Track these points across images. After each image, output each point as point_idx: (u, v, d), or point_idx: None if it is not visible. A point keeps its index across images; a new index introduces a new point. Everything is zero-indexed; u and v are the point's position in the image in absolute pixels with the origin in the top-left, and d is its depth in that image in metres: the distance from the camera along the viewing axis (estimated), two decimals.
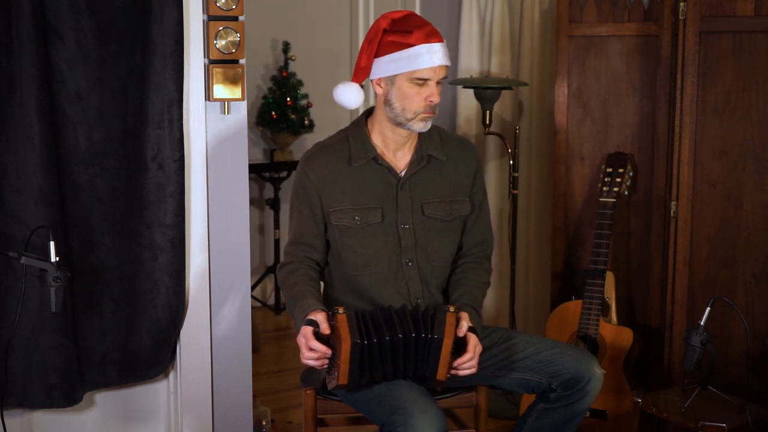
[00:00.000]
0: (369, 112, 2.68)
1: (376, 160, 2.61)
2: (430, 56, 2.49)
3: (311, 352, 2.38)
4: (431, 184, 2.64)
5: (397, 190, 2.61)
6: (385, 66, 2.53)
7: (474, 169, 2.71)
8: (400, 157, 2.64)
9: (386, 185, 2.61)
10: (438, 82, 2.53)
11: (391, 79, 2.53)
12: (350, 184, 2.60)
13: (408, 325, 2.40)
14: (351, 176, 2.60)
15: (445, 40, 2.55)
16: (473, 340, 2.45)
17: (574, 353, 2.57)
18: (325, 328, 2.39)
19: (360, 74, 2.57)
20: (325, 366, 2.42)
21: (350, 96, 2.59)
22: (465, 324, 2.45)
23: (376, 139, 2.63)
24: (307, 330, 2.39)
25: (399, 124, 2.56)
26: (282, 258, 2.69)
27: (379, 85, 2.57)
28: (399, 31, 2.51)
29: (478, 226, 2.73)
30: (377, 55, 2.54)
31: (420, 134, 2.64)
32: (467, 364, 2.45)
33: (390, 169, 2.61)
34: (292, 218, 2.67)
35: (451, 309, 2.42)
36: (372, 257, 2.59)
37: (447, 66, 2.54)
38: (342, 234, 2.60)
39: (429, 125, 2.57)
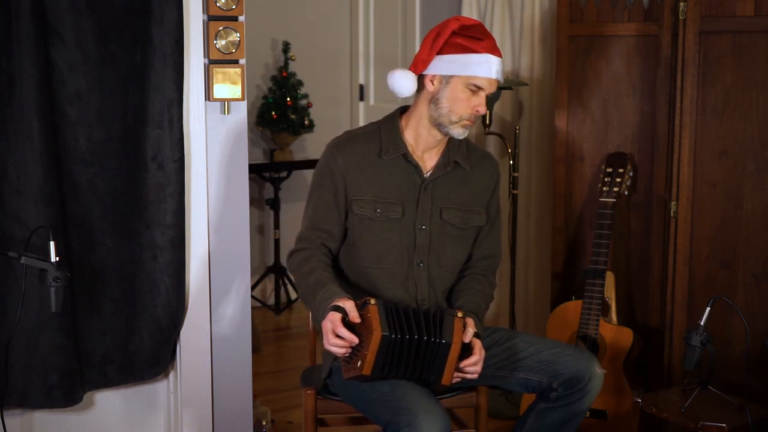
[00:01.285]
0: (403, 110, 2.68)
1: (406, 156, 2.62)
2: (488, 66, 2.53)
3: (337, 339, 2.38)
4: (453, 190, 2.65)
5: (420, 190, 2.62)
6: (445, 64, 2.55)
7: (494, 183, 2.73)
8: (427, 159, 2.65)
9: (410, 183, 2.62)
10: (487, 95, 2.56)
11: (447, 79, 2.55)
12: (376, 176, 2.60)
13: (421, 326, 2.41)
14: (378, 169, 2.61)
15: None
16: (479, 344, 2.47)
17: (574, 353, 2.58)
18: (355, 317, 2.39)
19: (419, 66, 2.58)
20: (347, 354, 2.42)
21: (405, 83, 2.58)
22: (471, 330, 2.46)
23: (409, 137, 2.64)
24: (336, 316, 2.38)
25: (439, 125, 2.58)
26: (295, 244, 2.67)
27: (432, 82, 2.58)
28: (469, 36, 2.54)
29: (490, 239, 2.74)
30: (440, 52, 2.55)
31: (449, 140, 2.65)
32: (472, 368, 2.46)
33: (417, 168, 2.62)
34: (311, 203, 2.66)
35: (459, 314, 2.44)
36: (385, 252, 2.60)
37: (500, 82, 2.58)
38: (361, 224, 2.60)
39: (467, 133, 2.60)
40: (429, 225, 2.62)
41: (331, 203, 2.62)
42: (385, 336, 2.33)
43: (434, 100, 2.57)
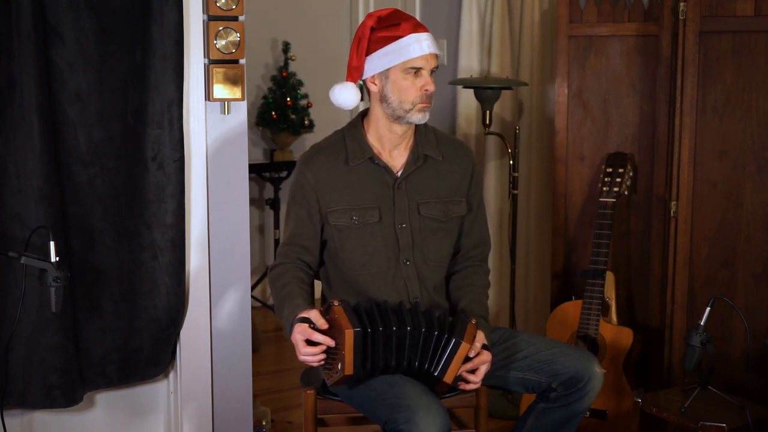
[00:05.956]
0: (364, 114, 2.68)
1: (373, 159, 2.62)
2: (419, 45, 2.52)
3: (309, 347, 2.38)
4: (427, 184, 2.65)
5: (394, 190, 2.62)
6: (377, 62, 2.55)
7: (470, 170, 2.72)
8: (396, 157, 2.65)
9: (383, 185, 2.62)
10: (431, 72, 2.55)
11: (385, 74, 2.55)
12: (348, 184, 2.61)
13: (419, 320, 2.42)
14: (348, 176, 2.61)
15: (430, 31, 2.58)
16: (484, 357, 2.46)
17: (574, 353, 2.58)
18: (321, 324, 2.39)
19: (353, 74, 2.59)
20: (323, 362, 2.42)
21: (348, 95, 2.60)
22: (478, 345, 2.46)
23: (372, 139, 2.64)
24: (304, 326, 2.40)
25: (398, 118, 2.57)
26: (275, 259, 2.70)
27: (373, 82, 2.58)
28: (387, 26, 2.55)
29: (476, 227, 2.74)
30: (368, 53, 2.56)
31: (416, 134, 2.65)
32: (472, 377, 2.46)
33: (386, 169, 2.62)
34: (289, 219, 2.68)
35: (473, 321, 2.45)
36: (370, 257, 2.60)
37: (437, 55, 2.56)
38: (340, 234, 2.61)
39: (427, 116, 2.58)
40: (409, 222, 2.62)
41: (305, 218, 2.63)
42: (357, 332, 2.34)
43: (383, 98, 2.57)
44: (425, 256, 2.64)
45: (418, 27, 2.54)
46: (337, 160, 2.62)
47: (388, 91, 2.55)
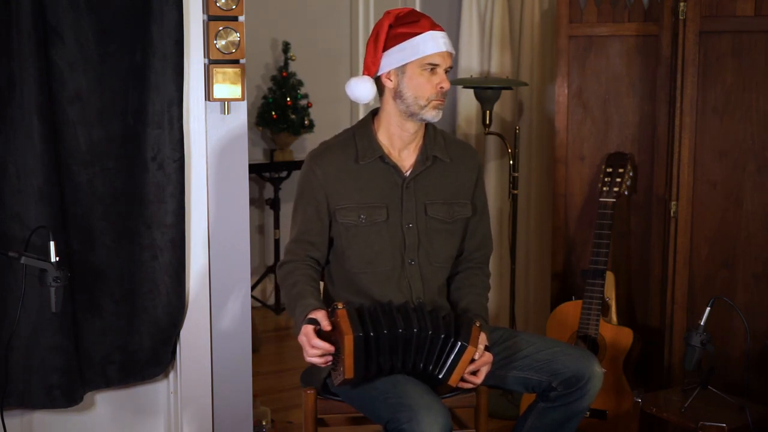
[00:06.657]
0: (375, 112, 2.69)
1: (383, 158, 2.62)
2: (436, 42, 2.54)
3: (314, 349, 2.39)
4: (435, 184, 2.65)
5: (403, 190, 2.62)
6: (394, 57, 2.56)
7: (476, 173, 2.73)
8: (405, 157, 2.65)
9: (392, 184, 2.62)
10: (446, 71, 2.57)
11: (402, 69, 2.56)
12: (356, 182, 2.61)
13: (425, 322, 2.42)
14: (357, 174, 2.61)
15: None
16: (488, 358, 2.47)
17: (574, 352, 2.58)
18: (326, 325, 2.40)
19: (370, 69, 2.60)
20: (330, 362, 2.43)
21: (364, 89, 2.60)
22: (481, 347, 2.46)
23: (383, 138, 2.64)
24: (308, 328, 2.40)
25: (411, 115, 2.58)
26: (282, 256, 2.70)
27: (389, 78, 2.59)
28: (405, 23, 2.56)
29: (480, 230, 2.75)
30: (385, 48, 2.57)
31: (425, 135, 2.66)
32: (473, 377, 2.47)
33: (396, 168, 2.62)
34: (296, 216, 2.68)
35: (477, 324, 2.46)
36: (375, 256, 2.60)
37: (452, 54, 2.59)
38: (347, 232, 2.61)
39: (440, 115, 2.59)
40: (416, 223, 2.63)
41: (314, 215, 2.63)
42: (357, 337, 2.34)
43: (397, 94, 2.58)
44: (430, 256, 2.64)
45: (434, 26, 2.57)
46: (347, 157, 2.62)
47: (404, 87, 2.56)
